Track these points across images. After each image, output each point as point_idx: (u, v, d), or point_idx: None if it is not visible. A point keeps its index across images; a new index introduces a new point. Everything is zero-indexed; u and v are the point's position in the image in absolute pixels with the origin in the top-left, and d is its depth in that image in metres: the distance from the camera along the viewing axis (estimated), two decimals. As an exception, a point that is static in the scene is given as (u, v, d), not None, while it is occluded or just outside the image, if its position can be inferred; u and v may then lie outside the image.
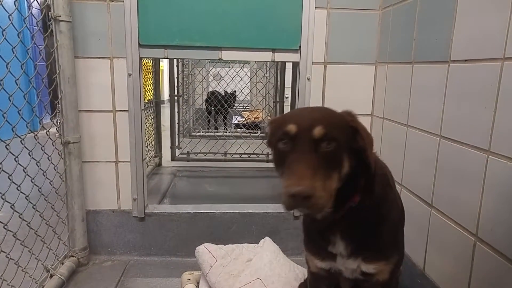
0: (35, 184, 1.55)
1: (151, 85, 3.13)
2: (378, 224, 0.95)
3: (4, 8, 1.43)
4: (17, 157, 1.36)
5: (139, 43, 1.76)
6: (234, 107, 5.56)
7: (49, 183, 1.65)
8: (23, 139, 1.38)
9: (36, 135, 1.54)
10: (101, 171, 1.87)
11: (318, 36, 1.83)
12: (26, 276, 1.45)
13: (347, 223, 0.92)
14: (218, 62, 4.60)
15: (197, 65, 4.52)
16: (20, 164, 1.39)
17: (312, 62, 1.85)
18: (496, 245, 1.04)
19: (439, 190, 1.32)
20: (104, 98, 1.81)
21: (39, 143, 1.54)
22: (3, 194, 1.28)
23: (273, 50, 1.82)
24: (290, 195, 0.72)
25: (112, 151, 1.86)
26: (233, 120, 5.56)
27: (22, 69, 1.43)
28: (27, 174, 1.46)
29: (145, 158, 2.04)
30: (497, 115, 1.03)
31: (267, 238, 1.67)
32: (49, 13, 1.64)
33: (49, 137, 1.67)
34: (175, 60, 3.52)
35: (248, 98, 5.05)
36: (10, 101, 1.33)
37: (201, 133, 4.21)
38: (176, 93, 3.59)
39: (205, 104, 5.10)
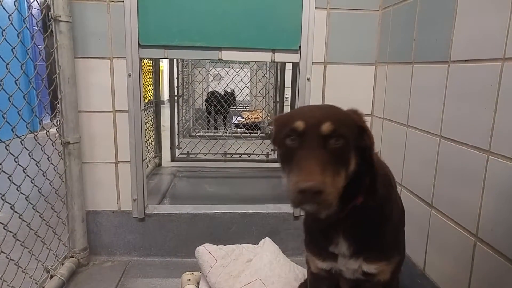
0: (35, 185, 1.54)
1: (151, 86, 3.13)
2: (381, 224, 0.95)
3: (4, 8, 1.42)
4: (17, 157, 1.36)
5: (139, 43, 1.76)
6: (234, 107, 5.56)
7: (49, 183, 1.65)
8: (23, 140, 1.38)
9: (36, 135, 1.53)
10: (101, 172, 1.87)
11: (318, 36, 1.83)
12: (26, 277, 1.46)
13: (350, 223, 0.92)
14: (218, 62, 4.60)
15: (197, 65, 4.51)
16: (20, 165, 1.39)
17: (312, 62, 1.84)
18: (496, 245, 1.04)
19: (439, 190, 1.32)
20: (104, 99, 1.81)
21: (39, 143, 1.54)
22: (3, 195, 1.28)
23: (273, 50, 1.82)
24: (299, 191, 0.71)
25: (112, 152, 1.86)
26: (233, 121, 5.56)
27: (22, 69, 1.42)
28: (27, 175, 1.45)
29: (145, 159, 2.04)
30: (497, 115, 1.03)
31: (267, 238, 1.67)
32: (49, 13, 1.63)
33: (49, 138, 1.67)
34: (175, 61, 3.52)
35: (248, 98, 5.04)
36: (10, 101, 1.33)
37: (201, 134, 4.22)
38: (176, 93, 3.59)
39: (205, 105, 5.10)
